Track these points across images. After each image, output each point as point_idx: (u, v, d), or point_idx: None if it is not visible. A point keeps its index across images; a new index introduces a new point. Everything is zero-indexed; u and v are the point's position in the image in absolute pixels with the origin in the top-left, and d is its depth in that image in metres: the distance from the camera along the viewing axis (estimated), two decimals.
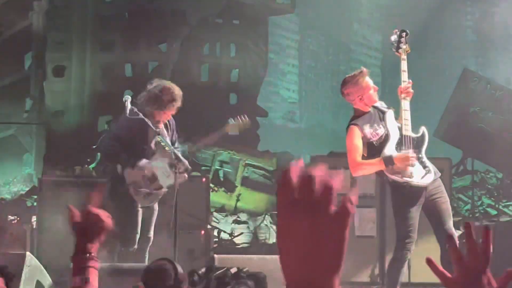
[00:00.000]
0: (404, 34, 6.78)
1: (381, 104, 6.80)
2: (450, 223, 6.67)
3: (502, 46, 15.10)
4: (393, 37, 6.72)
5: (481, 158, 13.60)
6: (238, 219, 12.81)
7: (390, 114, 6.70)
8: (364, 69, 6.65)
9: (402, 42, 6.72)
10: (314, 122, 15.13)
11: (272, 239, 12.90)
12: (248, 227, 12.58)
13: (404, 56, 6.68)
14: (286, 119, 14.51)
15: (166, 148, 7.12)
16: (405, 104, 6.67)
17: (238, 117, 7.84)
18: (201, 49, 14.61)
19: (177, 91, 7.23)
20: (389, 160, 6.51)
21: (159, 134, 7.13)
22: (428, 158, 8.97)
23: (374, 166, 6.64)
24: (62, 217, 8.86)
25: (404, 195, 6.53)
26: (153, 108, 7.12)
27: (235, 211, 13.42)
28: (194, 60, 14.44)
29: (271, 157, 14.24)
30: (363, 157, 6.62)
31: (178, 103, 7.20)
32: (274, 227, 13.33)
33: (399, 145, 6.60)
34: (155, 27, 14.34)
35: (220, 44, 14.70)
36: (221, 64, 14.56)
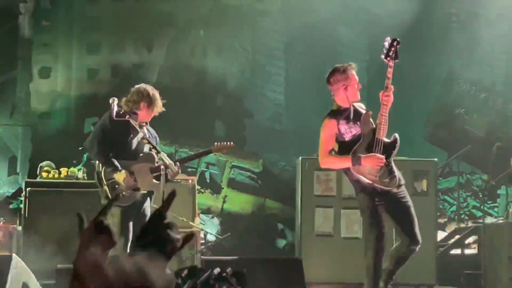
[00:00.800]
0: (395, 43, 6.88)
1: (360, 106, 6.99)
2: (417, 227, 6.84)
3: (487, 48, 15.15)
4: (385, 43, 6.84)
5: (466, 160, 13.67)
6: (225, 220, 12.84)
7: (366, 115, 6.82)
8: (353, 64, 7.00)
9: (391, 51, 6.83)
10: (301, 123, 15.13)
11: (260, 240, 12.93)
12: (235, 229, 12.60)
13: (391, 64, 6.78)
14: (273, 121, 14.50)
15: (153, 151, 7.14)
16: (383, 109, 6.79)
17: (226, 142, 8.02)
18: (187, 51, 14.61)
19: (155, 92, 7.32)
20: (357, 160, 6.71)
21: (145, 136, 7.16)
22: (415, 160, 9.11)
23: (342, 162, 6.85)
24: (47, 219, 8.84)
25: (369, 195, 6.71)
26: (134, 108, 7.18)
27: (222, 212, 13.44)
28: (180, 62, 14.44)
29: (257, 159, 14.26)
30: (333, 152, 6.83)
31: (157, 103, 7.27)
32: (260, 228, 13.35)
33: (370, 147, 6.77)
34: (142, 29, 14.34)
35: (207, 46, 14.70)
36: (208, 66, 14.56)
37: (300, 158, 9.60)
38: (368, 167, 6.71)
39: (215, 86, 14.65)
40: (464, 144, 12.51)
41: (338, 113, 6.89)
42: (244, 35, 14.98)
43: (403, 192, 6.87)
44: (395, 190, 6.79)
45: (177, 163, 7.32)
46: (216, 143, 7.88)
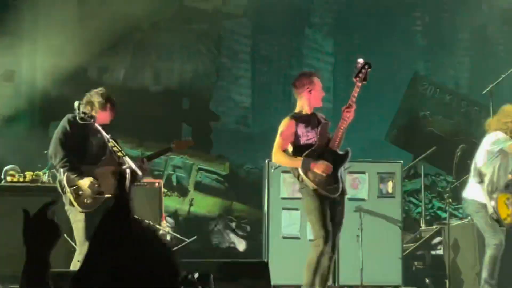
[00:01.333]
0: (366, 66, 7.15)
1: (321, 116, 7.41)
2: (338, 238, 7.34)
3: (451, 50, 15.30)
4: (357, 64, 7.12)
5: (431, 162, 13.77)
6: (191, 223, 12.81)
7: (325, 125, 7.38)
8: (319, 72, 7.53)
9: (362, 72, 7.13)
10: (267, 126, 15.15)
11: (225, 244, 12.92)
12: (201, 232, 12.57)
13: (359, 84, 7.08)
14: (240, 124, 14.51)
15: (119, 154, 7.12)
16: (343, 123, 7.20)
17: (185, 140, 8.26)
18: (153, 53, 14.56)
19: (107, 92, 7.39)
20: (307, 163, 7.09)
21: (110, 139, 7.14)
22: (381, 161, 9.20)
23: (292, 162, 7.24)
24: (12, 223, 8.77)
25: (313, 199, 7.11)
26: (96, 110, 7.19)
27: (188, 215, 13.41)
28: (146, 64, 14.39)
29: (224, 162, 14.25)
30: (286, 150, 7.20)
31: (110, 103, 7.31)
32: (228, 231, 13.34)
33: (322, 154, 7.16)
34: (107, 33, 14.26)
35: (172, 49, 14.67)
36: (174, 69, 14.52)
37: (267, 160, 9.62)
38: (316, 172, 7.04)
39: (181, 89, 14.62)
40: (429, 146, 12.59)
41: (299, 116, 7.27)
42: (210, 38, 14.97)
43: (343, 202, 7.28)
44: (336, 198, 7.17)
45: (144, 161, 7.32)
46: (175, 141, 7.96)
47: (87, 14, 14.37)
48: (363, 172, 9.71)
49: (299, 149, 7.25)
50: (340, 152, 7.27)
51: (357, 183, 9.65)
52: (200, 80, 14.82)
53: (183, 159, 13.72)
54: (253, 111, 15.17)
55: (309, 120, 7.30)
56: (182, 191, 13.74)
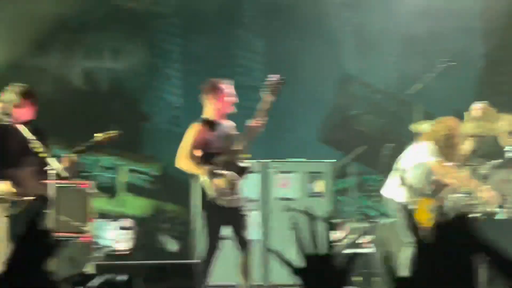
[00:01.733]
0: (281, 82, 7.26)
1: (231, 124, 7.59)
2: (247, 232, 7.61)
3: (380, 50, 15.45)
4: (271, 79, 7.22)
5: (361, 161, 13.89)
6: (122, 225, 12.67)
7: (230, 135, 7.27)
8: (230, 80, 7.49)
9: (274, 88, 7.24)
10: None
11: (157, 245, 12.83)
12: (132, 233, 12.45)
13: (268, 99, 7.17)
14: (171, 124, 14.43)
15: (41, 154, 7.01)
16: (249, 135, 7.44)
17: (109, 131, 8.18)
18: (82, 53, 14.39)
19: (25, 88, 7.27)
20: (210, 173, 7.28)
21: (31, 141, 7.02)
22: (311, 161, 9.24)
23: (197, 169, 7.37)
24: None
25: (211, 209, 7.37)
26: (14, 108, 7.09)
27: (119, 217, 13.27)
28: (75, 65, 14.21)
29: (155, 162, 14.16)
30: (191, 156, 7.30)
31: (28, 99, 7.20)
32: (159, 232, 13.26)
33: (226, 164, 7.35)
34: (36, 31, 14.05)
35: (102, 49, 14.52)
36: (103, 68, 14.38)
37: None
38: (218, 181, 7.23)
39: (112, 90, 14.48)
40: (360, 145, 12.71)
41: (207, 122, 7.22)
42: (140, 38, 14.86)
43: (244, 210, 7.51)
44: (236, 207, 7.41)
45: (71, 161, 7.23)
46: (98, 133, 7.90)
47: (15, 14, 14.13)
48: (293, 172, 9.75)
49: (204, 156, 7.29)
50: (243, 164, 7.42)
51: (287, 183, 9.68)
52: (131, 80, 14.70)
53: (113, 160, 13.59)
54: (185, 111, 15.10)
55: (217, 128, 7.38)
56: (112, 192, 13.61)
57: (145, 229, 13.03)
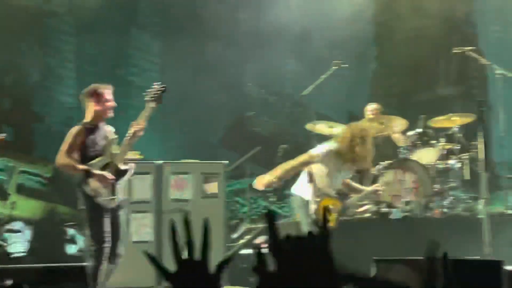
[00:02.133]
0: (162, 89, 7.69)
1: (110, 130, 7.75)
2: (120, 246, 7.72)
3: (275, 52, 15.57)
4: (153, 87, 7.51)
5: (256, 161, 13.97)
6: (12, 227, 12.40)
7: (111, 141, 7.66)
8: (110, 85, 7.70)
9: (156, 95, 7.54)
10: None
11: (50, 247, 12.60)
12: (23, 236, 12.20)
13: (151, 105, 7.46)
14: (64, 125, 14.17)
15: None
16: (131, 139, 7.59)
17: None
18: None
19: None
20: (88, 172, 7.47)
21: None
22: (205, 162, 9.30)
23: (76, 169, 7.51)
24: None
25: (93, 206, 7.50)
26: None
27: (9, 219, 12.97)
28: None
29: (47, 164, 13.89)
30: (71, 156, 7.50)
31: None
32: (53, 235, 13.02)
33: (106, 166, 7.58)
34: None
35: None
36: None
37: None
38: (96, 182, 7.45)
39: (2, 89, 14.16)
40: (255, 146, 12.78)
41: (88, 125, 7.58)
42: (32, 36, 14.57)
43: (121, 213, 7.64)
44: (114, 208, 7.56)
45: None
46: None
47: None
48: (187, 173, 9.72)
49: (84, 158, 7.52)
50: (122, 167, 7.60)
51: (181, 184, 9.64)
52: (22, 79, 14.39)
53: (4, 162, 13.27)
54: (78, 112, 14.87)
55: (96, 131, 7.60)
56: (3, 195, 13.29)
57: (37, 232, 12.77)
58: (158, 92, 7.67)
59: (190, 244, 1.78)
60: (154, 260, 1.78)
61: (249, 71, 15.97)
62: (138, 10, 15.72)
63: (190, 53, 15.01)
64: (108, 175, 7.49)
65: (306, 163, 8.48)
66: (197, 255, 1.77)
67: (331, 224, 8.34)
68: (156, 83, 7.77)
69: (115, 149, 7.67)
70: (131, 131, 7.56)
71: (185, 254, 1.78)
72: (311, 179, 8.46)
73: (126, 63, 15.41)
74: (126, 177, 7.74)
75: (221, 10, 15.08)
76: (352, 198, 8.78)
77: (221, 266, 1.78)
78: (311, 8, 14.95)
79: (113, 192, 7.55)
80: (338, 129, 9.99)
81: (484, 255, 8.57)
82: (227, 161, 10.42)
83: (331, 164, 8.48)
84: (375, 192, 8.99)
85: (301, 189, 8.58)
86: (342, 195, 8.77)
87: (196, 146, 14.18)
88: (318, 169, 8.44)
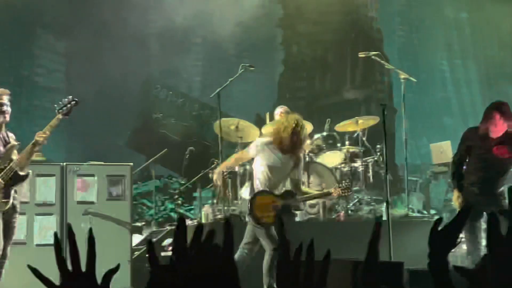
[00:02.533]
0: (73, 103, 7.78)
1: (11, 135, 7.84)
2: (9, 246, 7.86)
3: (185, 54, 15.55)
4: (65, 100, 7.53)
5: (163, 164, 13.92)
6: None
7: (11, 147, 7.72)
8: (7, 91, 7.73)
9: (66, 107, 7.52)
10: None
11: None
12: None
13: (60, 117, 7.71)
14: None
15: None
16: (32, 146, 7.61)
17: None
18: None
19: None
20: None
21: None
22: (110, 164, 9.23)
23: None
24: None
25: None
26: None
27: None
28: None
29: None
30: None
31: None
32: None
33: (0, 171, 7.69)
34: None
35: None
36: None
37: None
38: None
39: None
40: (162, 148, 12.71)
41: None
42: None
43: (14, 214, 7.76)
44: (7, 211, 7.64)
45: None
46: None
47: None
48: (92, 175, 9.59)
49: None
50: (22, 173, 7.68)
51: (87, 186, 9.51)
52: None
53: None
54: None
55: None
56: None
57: None
58: (68, 105, 7.73)
59: (75, 256, 1.75)
60: (37, 272, 1.74)
61: (157, 73, 15.89)
62: (43, 10, 15.47)
63: (97, 55, 14.84)
64: None
65: (242, 159, 8.64)
66: (84, 267, 1.74)
67: (268, 220, 8.23)
68: (68, 97, 7.84)
69: (15, 155, 7.70)
70: (35, 139, 7.58)
71: (70, 266, 1.75)
72: (250, 177, 8.49)
73: (32, 63, 15.14)
74: (23, 182, 7.86)
75: (129, 11, 14.96)
76: (298, 197, 8.58)
77: (107, 276, 1.76)
78: (219, 11, 14.96)
79: (7, 195, 7.62)
80: (268, 126, 10.01)
81: (387, 257, 8.72)
82: (132, 163, 10.29)
83: (269, 157, 8.25)
84: (327, 194, 8.77)
85: (247, 190, 8.67)
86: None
87: (106, 149, 14.01)
88: (257, 164, 8.35)
